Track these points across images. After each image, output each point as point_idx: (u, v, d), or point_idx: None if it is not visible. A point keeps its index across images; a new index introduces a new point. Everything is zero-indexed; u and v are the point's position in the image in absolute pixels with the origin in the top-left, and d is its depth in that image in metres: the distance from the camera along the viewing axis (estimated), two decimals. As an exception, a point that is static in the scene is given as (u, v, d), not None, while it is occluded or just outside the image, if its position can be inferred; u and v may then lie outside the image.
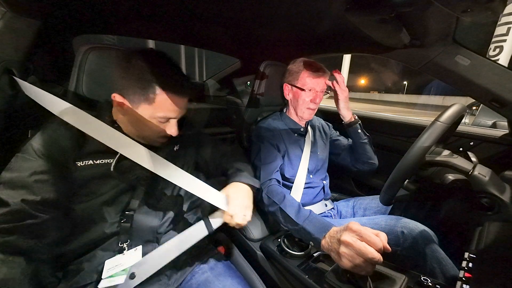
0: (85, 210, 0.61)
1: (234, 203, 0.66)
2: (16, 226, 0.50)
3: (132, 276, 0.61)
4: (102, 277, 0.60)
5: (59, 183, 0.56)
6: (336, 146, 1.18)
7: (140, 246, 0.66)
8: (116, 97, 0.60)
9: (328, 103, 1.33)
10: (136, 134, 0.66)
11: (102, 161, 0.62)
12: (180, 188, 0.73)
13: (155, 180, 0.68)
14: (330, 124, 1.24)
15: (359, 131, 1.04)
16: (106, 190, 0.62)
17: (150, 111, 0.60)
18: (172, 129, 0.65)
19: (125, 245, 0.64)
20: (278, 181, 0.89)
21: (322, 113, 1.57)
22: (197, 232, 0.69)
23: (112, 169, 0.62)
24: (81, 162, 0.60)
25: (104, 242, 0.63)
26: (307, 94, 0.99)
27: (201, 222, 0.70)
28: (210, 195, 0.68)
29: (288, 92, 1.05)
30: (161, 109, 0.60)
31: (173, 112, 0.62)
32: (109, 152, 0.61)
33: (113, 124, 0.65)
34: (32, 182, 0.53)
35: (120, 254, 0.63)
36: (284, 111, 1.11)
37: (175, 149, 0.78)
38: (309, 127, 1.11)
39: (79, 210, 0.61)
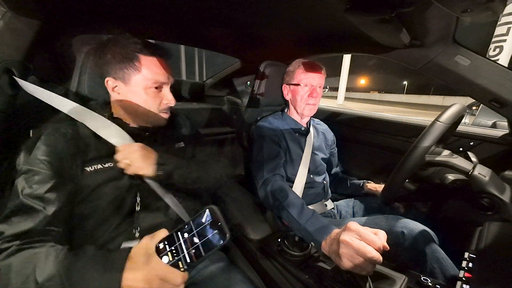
0: (91, 211, 0.61)
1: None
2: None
3: None
4: None
5: (70, 192, 0.58)
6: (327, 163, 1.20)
7: None
8: (109, 81, 0.64)
9: (328, 103, 1.33)
10: (139, 119, 0.70)
11: (111, 164, 0.63)
12: None
13: None
14: (334, 138, 1.24)
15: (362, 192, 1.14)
16: (112, 190, 0.63)
17: (141, 79, 0.64)
18: (168, 98, 0.69)
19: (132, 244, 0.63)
20: (282, 177, 0.90)
21: (322, 113, 1.57)
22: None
23: (117, 171, 0.62)
24: (90, 167, 0.60)
25: (112, 240, 0.63)
26: (304, 89, 1.00)
27: None
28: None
29: (287, 92, 1.08)
30: (149, 73, 0.64)
31: (161, 74, 0.66)
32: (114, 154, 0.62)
33: (115, 119, 0.67)
34: (47, 196, 0.53)
35: None
36: (285, 111, 1.11)
37: (176, 146, 0.79)
38: (311, 128, 1.11)
39: (85, 211, 0.60)
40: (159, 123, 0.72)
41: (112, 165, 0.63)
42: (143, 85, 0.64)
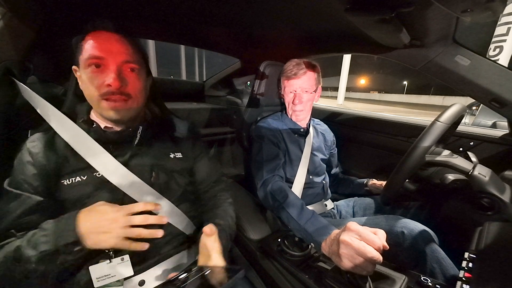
0: None
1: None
2: None
3: (141, 282, 0.59)
4: (95, 286, 0.55)
5: (48, 208, 0.56)
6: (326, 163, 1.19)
7: (127, 255, 0.58)
8: (75, 68, 0.61)
9: (328, 103, 1.33)
10: (98, 115, 0.63)
11: (93, 175, 0.59)
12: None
13: None
14: (334, 138, 1.24)
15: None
16: (93, 199, 0.58)
17: (82, 58, 0.57)
18: (107, 77, 0.56)
19: (111, 253, 0.57)
20: (281, 177, 0.90)
21: (322, 113, 1.57)
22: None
23: (98, 184, 0.59)
24: (67, 180, 0.57)
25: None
26: (288, 97, 1.02)
27: None
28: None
29: (282, 96, 1.09)
30: (87, 47, 0.56)
31: (100, 48, 0.56)
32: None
33: (91, 124, 0.62)
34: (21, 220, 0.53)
35: (106, 262, 0.57)
36: (284, 112, 1.11)
37: (171, 156, 0.72)
38: (310, 128, 1.11)
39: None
40: (109, 116, 0.60)
41: (94, 176, 0.59)
42: (83, 65, 0.57)
